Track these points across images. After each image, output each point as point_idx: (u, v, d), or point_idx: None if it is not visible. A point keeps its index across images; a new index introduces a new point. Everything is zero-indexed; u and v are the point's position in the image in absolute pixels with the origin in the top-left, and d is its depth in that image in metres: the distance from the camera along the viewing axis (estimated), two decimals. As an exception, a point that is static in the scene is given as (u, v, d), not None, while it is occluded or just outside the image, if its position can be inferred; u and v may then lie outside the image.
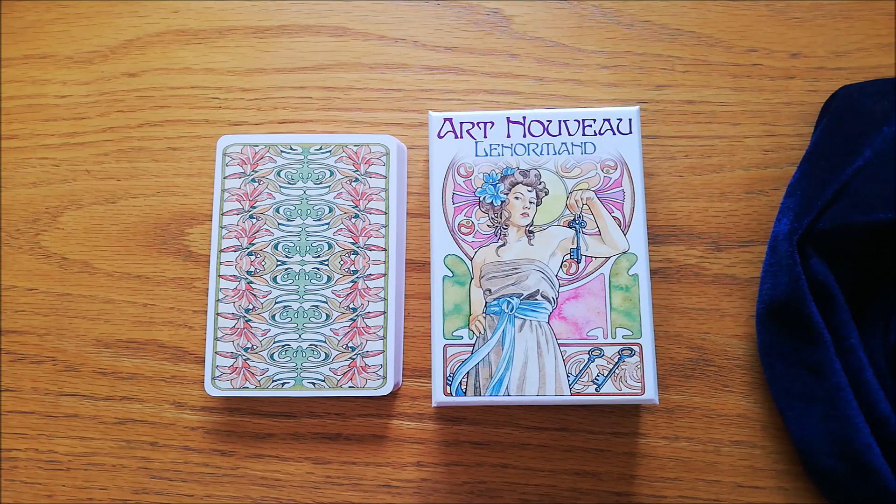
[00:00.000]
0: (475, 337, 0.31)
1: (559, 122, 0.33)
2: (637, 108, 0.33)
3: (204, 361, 0.37)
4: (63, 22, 0.42)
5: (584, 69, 0.39)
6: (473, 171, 0.32)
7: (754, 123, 0.38)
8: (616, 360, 0.31)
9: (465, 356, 0.31)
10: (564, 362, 0.30)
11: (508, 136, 0.33)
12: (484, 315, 0.31)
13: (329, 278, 0.35)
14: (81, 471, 0.37)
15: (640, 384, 0.30)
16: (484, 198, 0.32)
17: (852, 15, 0.39)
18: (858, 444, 0.31)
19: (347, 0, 0.41)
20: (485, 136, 0.33)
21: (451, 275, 0.31)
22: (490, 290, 0.31)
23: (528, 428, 0.35)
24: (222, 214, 0.37)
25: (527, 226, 0.32)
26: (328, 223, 0.36)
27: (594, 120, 0.33)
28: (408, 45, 0.40)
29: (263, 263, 0.36)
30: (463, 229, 0.32)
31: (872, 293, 0.34)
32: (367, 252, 0.36)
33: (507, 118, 0.33)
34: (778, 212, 0.35)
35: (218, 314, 0.35)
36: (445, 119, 0.33)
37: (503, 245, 0.31)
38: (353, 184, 0.36)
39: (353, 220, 0.36)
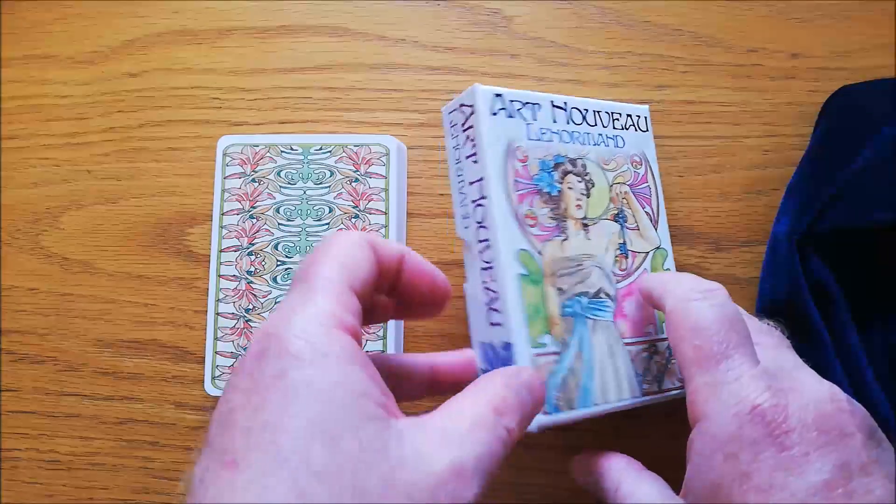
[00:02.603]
0: (560, 343, 0.27)
1: (594, 112, 0.31)
2: (647, 107, 0.34)
3: (204, 361, 0.37)
4: (64, 22, 0.42)
5: (585, 69, 0.39)
6: (529, 156, 0.28)
7: (754, 123, 0.38)
8: (667, 355, 0.29)
9: (554, 366, 0.27)
10: (632, 361, 0.28)
11: (555, 121, 0.29)
12: (561, 317, 0.27)
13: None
14: (82, 471, 0.37)
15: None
16: (541, 187, 0.28)
17: (852, 15, 0.39)
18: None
19: (348, 0, 0.41)
20: (535, 119, 0.29)
21: (526, 273, 0.27)
22: (562, 289, 0.27)
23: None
24: (223, 214, 0.37)
25: (581, 218, 0.29)
26: (328, 223, 0.36)
27: (619, 114, 0.32)
28: (408, 46, 0.40)
29: (264, 263, 0.36)
30: (528, 221, 0.27)
31: (872, 293, 0.34)
32: (368, 252, 0.36)
33: (551, 102, 0.30)
34: (778, 212, 0.35)
35: (218, 314, 0.35)
36: (497, 95, 0.28)
37: (566, 240, 0.28)
38: (353, 184, 0.36)
39: (353, 220, 0.36)
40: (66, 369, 0.38)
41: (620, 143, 0.31)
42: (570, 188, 0.29)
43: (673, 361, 0.29)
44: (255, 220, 0.36)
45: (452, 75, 0.39)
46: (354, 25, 0.40)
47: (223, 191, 0.37)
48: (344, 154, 0.37)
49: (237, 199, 0.37)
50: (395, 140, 0.37)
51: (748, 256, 0.37)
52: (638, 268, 0.30)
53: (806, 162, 0.35)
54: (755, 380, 0.23)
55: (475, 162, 0.27)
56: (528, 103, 0.29)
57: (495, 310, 0.26)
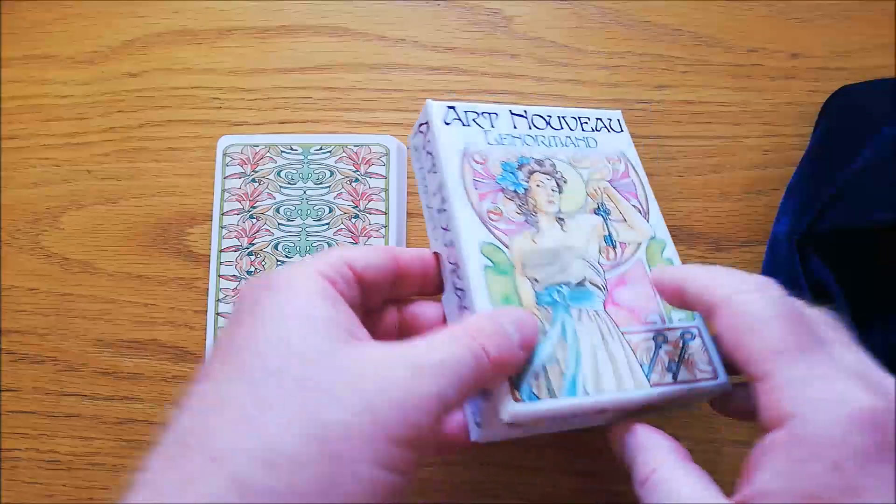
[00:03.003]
0: None
1: (559, 117, 0.32)
2: (619, 111, 0.34)
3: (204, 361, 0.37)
4: (64, 22, 0.42)
5: (585, 69, 0.39)
6: (488, 159, 0.29)
7: (754, 123, 0.38)
8: (681, 344, 0.28)
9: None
10: (633, 351, 0.27)
11: (515, 126, 0.31)
12: (537, 306, 0.26)
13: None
14: (82, 471, 0.37)
15: (710, 367, 0.27)
16: (505, 186, 0.29)
17: (852, 15, 0.39)
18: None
19: (348, 0, 0.41)
20: (492, 126, 0.30)
21: (491, 264, 0.27)
22: (536, 280, 0.27)
23: (529, 428, 0.35)
24: (222, 214, 0.37)
25: (555, 213, 0.29)
26: (328, 223, 0.36)
27: (588, 118, 0.33)
28: (408, 46, 0.40)
29: (263, 263, 0.36)
30: (493, 216, 0.28)
31: (872, 293, 0.34)
32: (368, 252, 0.36)
33: (510, 111, 0.31)
34: (778, 212, 0.35)
35: (218, 314, 0.35)
36: (449, 107, 0.30)
37: (537, 232, 0.28)
38: (353, 184, 0.36)
39: (353, 220, 0.36)
40: (66, 369, 0.38)
41: (592, 144, 0.32)
42: (538, 185, 0.30)
43: (688, 352, 0.28)
44: (255, 220, 0.36)
45: (452, 75, 0.39)
46: (354, 25, 0.40)
47: (223, 191, 0.37)
48: (344, 154, 0.37)
49: (237, 199, 0.37)
50: (395, 140, 0.37)
51: (748, 256, 0.37)
52: (629, 258, 0.29)
53: (806, 162, 0.35)
54: (848, 378, 0.20)
55: (435, 172, 0.28)
56: (483, 113, 0.30)
57: (465, 307, 0.26)
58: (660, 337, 0.28)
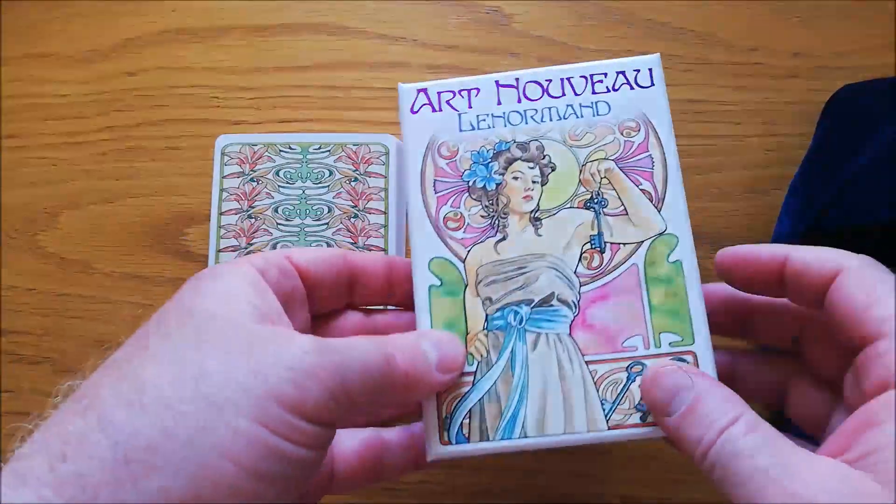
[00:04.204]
0: (476, 362, 0.24)
1: (561, 80, 0.26)
2: (657, 55, 0.26)
3: (203, 362, 0.37)
4: (62, 21, 0.42)
5: (585, 68, 0.39)
6: (458, 150, 0.25)
7: (756, 123, 0.38)
8: None
9: (465, 388, 0.23)
10: (596, 385, 0.23)
11: (499, 103, 0.26)
12: (485, 332, 0.24)
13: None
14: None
15: None
16: (474, 182, 0.25)
17: (853, 15, 0.38)
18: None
19: (347, -1, 0.41)
20: (469, 107, 0.26)
21: (438, 283, 0.24)
22: (491, 299, 0.24)
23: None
24: (221, 214, 0.36)
25: (531, 211, 0.25)
26: (327, 223, 0.36)
27: (605, 74, 0.26)
28: (408, 44, 0.40)
29: (262, 263, 0.36)
30: (450, 224, 0.25)
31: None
32: (367, 252, 0.36)
33: (496, 82, 0.26)
34: (779, 211, 0.35)
35: (217, 314, 0.35)
36: (419, 90, 0.26)
37: (503, 239, 0.25)
38: (352, 183, 0.36)
39: (353, 220, 0.36)
40: (64, 370, 0.38)
41: (603, 110, 0.26)
42: (515, 178, 0.25)
43: None
44: (253, 220, 0.36)
45: (453, 74, 0.39)
46: (354, 24, 0.40)
47: (221, 190, 0.37)
48: (343, 153, 0.37)
49: (235, 199, 0.36)
50: (394, 139, 0.37)
51: (749, 256, 0.36)
52: (620, 264, 0.24)
53: (807, 161, 0.35)
54: None
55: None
56: (461, 91, 0.26)
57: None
58: (636, 367, 0.23)
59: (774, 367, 0.26)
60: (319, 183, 0.36)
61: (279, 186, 0.36)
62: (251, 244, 0.36)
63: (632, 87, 0.26)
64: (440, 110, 0.26)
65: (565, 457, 0.35)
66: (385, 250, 0.36)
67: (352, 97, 0.39)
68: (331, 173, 0.36)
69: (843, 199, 0.33)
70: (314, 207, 0.36)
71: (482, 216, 0.25)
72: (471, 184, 0.25)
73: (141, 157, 0.40)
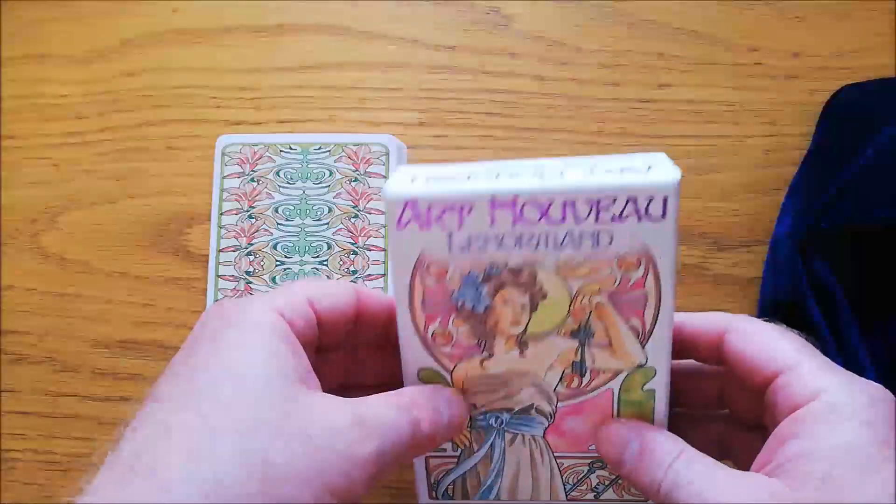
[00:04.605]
0: (459, 449, 0.27)
1: (563, 203, 0.22)
2: (676, 180, 0.21)
3: (203, 362, 0.37)
4: (63, 21, 0.42)
5: (585, 68, 0.39)
6: (447, 270, 0.24)
7: (756, 123, 0.38)
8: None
9: (450, 467, 0.27)
10: (561, 473, 0.27)
11: (492, 223, 0.23)
12: (469, 430, 0.26)
13: (328, 279, 0.35)
14: (81, 472, 0.37)
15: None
16: (462, 303, 0.24)
17: (853, 15, 0.38)
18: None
19: (347, -1, 0.41)
20: (460, 226, 0.23)
21: None
22: (475, 405, 0.26)
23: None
24: (221, 214, 0.36)
25: (518, 335, 0.25)
26: (327, 223, 0.36)
27: (613, 200, 0.22)
28: (408, 44, 0.40)
29: (262, 263, 0.36)
30: (438, 339, 0.25)
31: (874, 293, 0.34)
32: (367, 252, 0.36)
33: (492, 200, 0.22)
34: (779, 212, 0.35)
35: (217, 314, 0.35)
36: (407, 202, 0.22)
37: (489, 356, 0.25)
38: (352, 184, 0.36)
39: (353, 220, 0.36)
40: (64, 370, 0.38)
41: (604, 241, 0.23)
42: (505, 303, 0.24)
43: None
44: (253, 220, 0.36)
45: (452, 74, 0.39)
46: (354, 24, 0.40)
47: (222, 190, 0.37)
48: (343, 153, 0.37)
49: (236, 199, 0.37)
50: (394, 139, 0.37)
51: (749, 256, 0.36)
52: (597, 388, 0.25)
53: (807, 161, 0.35)
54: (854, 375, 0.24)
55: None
56: (452, 207, 0.22)
57: None
58: (596, 464, 0.26)
59: (718, 421, 0.28)
60: (320, 183, 0.36)
61: (279, 187, 0.36)
62: (251, 244, 0.36)
63: (640, 219, 0.22)
64: (429, 227, 0.23)
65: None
66: (385, 250, 0.36)
67: (352, 97, 0.39)
68: (331, 173, 0.36)
69: (843, 199, 0.33)
70: (314, 208, 0.36)
71: (470, 335, 0.25)
72: (459, 305, 0.24)
73: (141, 157, 0.40)
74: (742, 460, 0.25)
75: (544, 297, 0.24)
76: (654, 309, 0.24)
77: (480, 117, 0.39)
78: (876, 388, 0.22)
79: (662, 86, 0.38)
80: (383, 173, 0.36)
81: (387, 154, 0.36)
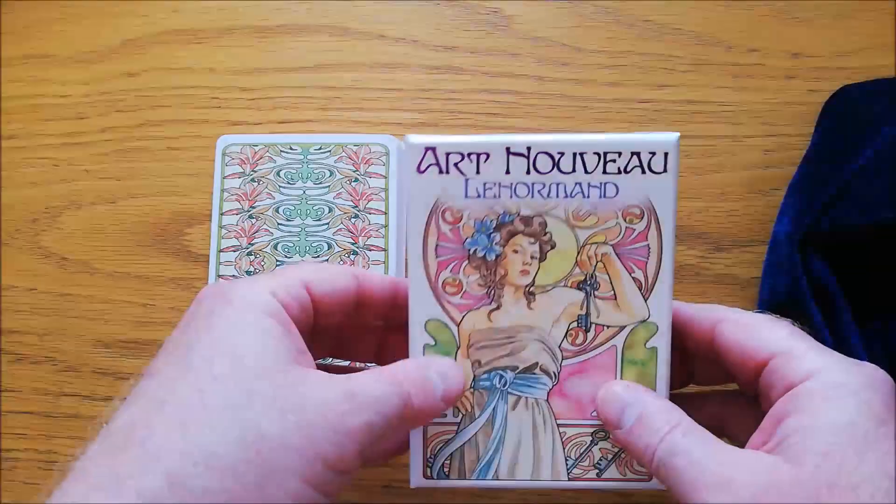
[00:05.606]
0: (460, 415, 0.26)
1: (573, 154, 0.25)
2: (676, 137, 0.25)
3: (204, 362, 0.37)
4: (63, 22, 0.42)
5: (585, 68, 0.39)
6: (462, 216, 0.25)
7: (755, 123, 0.38)
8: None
9: (449, 436, 0.26)
10: (563, 445, 0.26)
11: (508, 171, 0.25)
12: (472, 391, 0.26)
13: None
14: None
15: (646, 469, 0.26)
16: (475, 251, 0.25)
17: (853, 15, 0.38)
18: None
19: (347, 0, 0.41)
20: (477, 172, 0.25)
21: (433, 343, 0.26)
22: (480, 362, 0.26)
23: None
24: (222, 214, 0.37)
25: (526, 286, 0.26)
26: (328, 223, 0.36)
27: (619, 154, 0.25)
28: (408, 45, 0.40)
29: (263, 263, 0.36)
30: (448, 289, 0.26)
31: (874, 293, 0.34)
32: (367, 252, 0.36)
33: (507, 149, 0.25)
34: (779, 212, 0.35)
35: (218, 314, 0.35)
36: (427, 148, 0.25)
37: (497, 309, 0.26)
38: (352, 184, 0.36)
39: (353, 220, 0.36)
40: (65, 369, 0.38)
41: (611, 192, 0.25)
42: (515, 251, 0.26)
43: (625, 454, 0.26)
44: (254, 220, 0.36)
45: (452, 75, 0.39)
46: (354, 25, 0.40)
47: (222, 190, 0.37)
48: (343, 154, 0.37)
49: (236, 199, 0.37)
50: (394, 139, 0.37)
51: (749, 256, 0.36)
52: (601, 345, 0.26)
53: (807, 162, 0.35)
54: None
55: None
56: (471, 154, 0.25)
57: None
58: (599, 434, 0.26)
59: (712, 401, 0.28)
60: (320, 183, 0.36)
61: (280, 187, 0.37)
62: (252, 244, 0.36)
63: (643, 171, 0.25)
64: (447, 172, 0.25)
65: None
66: (385, 250, 0.36)
67: (352, 97, 0.39)
68: (331, 174, 0.36)
69: (843, 199, 0.33)
70: (315, 208, 0.36)
71: (479, 284, 0.26)
72: (471, 252, 0.26)
73: (142, 157, 0.40)
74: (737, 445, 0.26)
75: (553, 246, 0.26)
76: (656, 262, 0.25)
77: (480, 117, 0.39)
78: (874, 369, 0.22)
79: (662, 86, 0.38)
80: (383, 173, 0.36)
81: (387, 154, 0.36)
